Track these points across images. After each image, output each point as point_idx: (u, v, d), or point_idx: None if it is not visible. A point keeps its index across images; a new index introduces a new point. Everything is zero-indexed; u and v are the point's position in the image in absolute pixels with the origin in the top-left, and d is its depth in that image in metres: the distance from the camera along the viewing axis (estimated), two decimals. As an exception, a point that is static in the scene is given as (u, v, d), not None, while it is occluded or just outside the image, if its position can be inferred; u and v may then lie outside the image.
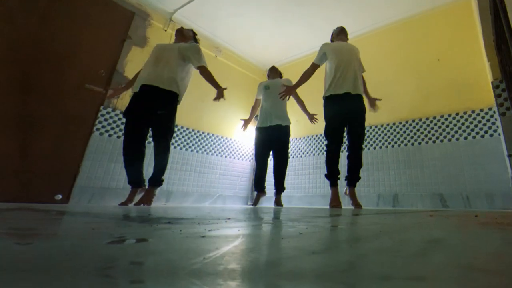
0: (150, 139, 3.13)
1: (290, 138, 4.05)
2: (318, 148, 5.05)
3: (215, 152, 5.09)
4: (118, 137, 3.80)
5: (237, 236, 0.73)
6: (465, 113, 3.68)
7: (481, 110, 3.56)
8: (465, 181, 3.45)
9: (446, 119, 3.80)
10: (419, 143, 3.95)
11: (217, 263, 0.42)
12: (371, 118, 3.82)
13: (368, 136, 4.43)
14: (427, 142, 3.88)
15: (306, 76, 3.45)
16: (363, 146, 3.27)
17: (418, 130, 4.01)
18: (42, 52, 3.28)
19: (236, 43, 5.61)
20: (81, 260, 0.46)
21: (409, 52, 4.48)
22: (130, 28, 4.22)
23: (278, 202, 3.85)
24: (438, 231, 0.93)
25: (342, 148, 3.33)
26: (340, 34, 3.60)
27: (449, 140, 3.71)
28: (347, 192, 3.17)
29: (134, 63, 4.04)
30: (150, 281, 0.35)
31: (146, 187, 3.01)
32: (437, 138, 3.81)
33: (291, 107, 4.21)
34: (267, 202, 4.66)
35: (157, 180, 2.98)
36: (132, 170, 2.95)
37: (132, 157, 2.93)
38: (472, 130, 3.56)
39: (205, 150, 4.93)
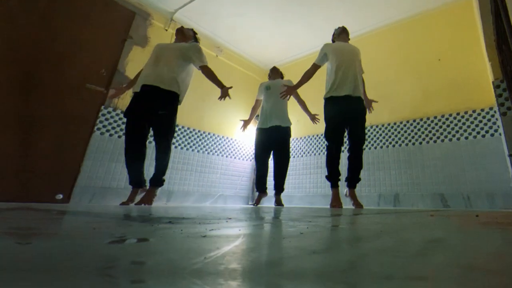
0: (152, 139, 3.13)
1: (291, 138, 4.05)
2: (319, 148, 5.05)
3: (216, 151, 5.09)
4: (119, 136, 3.81)
5: (238, 235, 0.73)
6: (466, 112, 3.67)
7: (482, 110, 3.55)
8: (466, 181, 3.45)
9: (447, 119, 3.79)
10: (420, 143, 3.94)
11: (218, 262, 0.42)
12: (372, 118, 3.82)
13: (369, 136, 4.42)
14: (428, 142, 3.88)
15: (307, 76, 3.46)
16: (364, 146, 3.26)
17: (419, 130, 4.00)
18: (43, 52, 3.28)
19: (237, 43, 5.61)
20: (82, 260, 0.46)
21: (409, 52, 4.47)
22: (131, 28, 4.23)
23: (278, 202, 3.86)
24: (438, 231, 0.93)
25: (342, 148, 3.32)
26: (341, 34, 3.59)
27: (450, 140, 3.70)
28: (348, 193, 3.18)
29: (135, 62, 4.04)
30: (151, 281, 0.35)
31: (147, 187, 3.01)
32: (438, 138, 3.80)
33: (292, 107, 4.21)
34: (268, 201, 4.66)
35: (158, 180, 2.98)
36: (133, 170, 2.95)
37: (133, 157, 2.93)
38: (473, 130, 3.56)
39: (206, 150, 4.93)
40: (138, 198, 2.94)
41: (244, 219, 1.30)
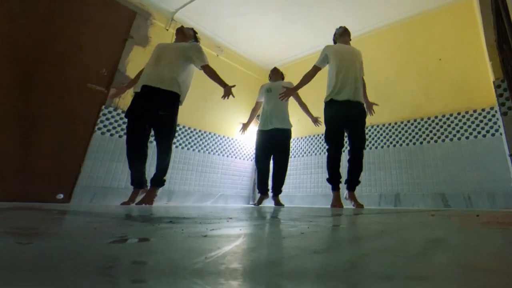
0: (153, 139, 3.13)
1: (292, 138, 4.05)
2: (320, 148, 5.05)
3: (217, 151, 5.09)
4: (120, 136, 3.81)
5: (238, 235, 0.73)
6: (466, 112, 3.67)
7: (483, 110, 3.55)
8: (466, 181, 3.44)
9: (448, 119, 3.79)
10: (421, 143, 3.94)
11: (219, 262, 0.42)
12: (372, 117, 3.81)
13: (370, 136, 4.42)
14: (429, 142, 3.87)
15: (308, 78, 3.45)
16: (364, 146, 3.26)
17: (419, 129, 4.00)
18: (43, 52, 3.29)
19: (238, 43, 5.61)
20: (82, 260, 0.46)
21: (410, 52, 4.47)
22: (132, 28, 4.23)
23: (277, 203, 3.86)
24: (439, 230, 0.93)
25: (344, 148, 3.32)
26: (343, 35, 3.57)
27: (451, 139, 3.70)
28: (347, 196, 3.18)
29: (136, 62, 4.04)
30: (152, 281, 0.35)
31: (148, 187, 3.01)
32: (439, 137, 3.80)
33: (292, 107, 4.20)
34: (269, 202, 4.65)
35: (159, 180, 2.98)
36: (134, 170, 2.95)
37: (134, 157, 2.93)
38: (474, 129, 3.55)
39: (207, 150, 4.93)
40: (139, 198, 2.94)
41: (245, 218, 1.30)
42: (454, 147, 3.65)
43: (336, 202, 3.10)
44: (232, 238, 0.68)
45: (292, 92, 3.55)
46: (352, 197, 3.16)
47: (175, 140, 4.33)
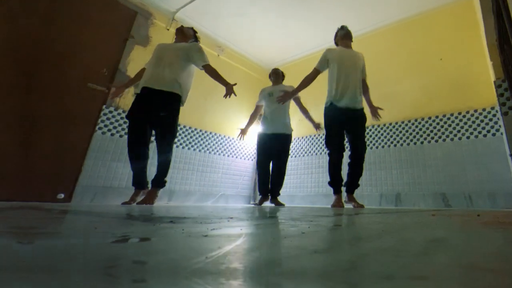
0: (153, 139, 3.13)
1: (293, 138, 4.05)
2: (321, 148, 5.04)
3: (217, 151, 5.09)
4: (121, 136, 3.81)
5: (239, 235, 0.73)
6: (467, 112, 3.66)
7: (484, 110, 3.55)
8: (467, 181, 3.44)
9: (449, 119, 3.79)
10: (422, 143, 3.94)
11: (220, 262, 0.42)
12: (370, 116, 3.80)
13: (371, 136, 4.42)
14: (430, 142, 3.87)
15: (307, 81, 3.43)
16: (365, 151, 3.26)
17: (420, 129, 4.00)
18: (44, 52, 3.29)
19: (238, 42, 5.61)
20: (83, 259, 0.46)
21: (411, 52, 4.47)
22: (133, 27, 4.23)
23: (277, 203, 3.86)
24: (440, 230, 0.93)
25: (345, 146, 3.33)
26: (344, 38, 3.52)
27: (452, 139, 3.70)
28: (347, 199, 3.20)
29: (137, 62, 4.04)
30: (152, 280, 0.35)
31: (149, 188, 3.00)
32: (440, 137, 3.80)
33: (294, 107, 4.20)
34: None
35: (159, 181, 2.97)
36: (136, 171, 2.95)
37: (135, 159, 2.93)
38: (475, 129, 3.55)
39: (207, 149, 4.93)
40: (139, 198, 2.94)
41: (246, 218, 1.30)
42: (454, 147, 3.65)
43: (337, 203, 3.11)
44: (233, 237, 0.68)
45: (290, 96, 3.55)
46: (351, 199, 3.18)
47: (175, 139, 4.33)
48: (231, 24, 5.06)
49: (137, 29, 4.28)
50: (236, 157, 5.42)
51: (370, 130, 4.42)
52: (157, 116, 2.93)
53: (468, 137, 3.58)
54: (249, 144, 5.63)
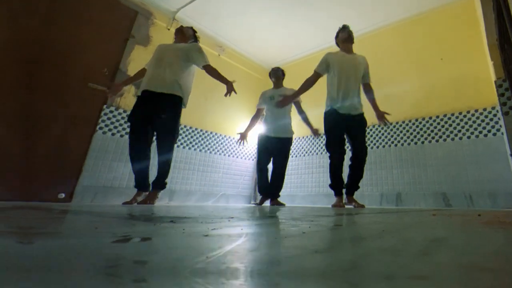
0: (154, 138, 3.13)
1: (294, 137, 4.05)
2: (322, 147, 5.04)
3: (218, 151, 5.09)
4: (121, 136, 3.81)
5: (240, 235, 0.73)
6: (468, 112, 3.66)
7: (484, 109, 3.54)
8: (468, 180, 3.44)
9: (449, 118, 3.79)
10: (422, 142, 3.93)
11: (220, 262, 0.42)
12: (373, 117, 3.80)
13: (371, 136, 4.42)
14: (430, 141, 3.87)
15: (308, 84, 3.43)
16: (366, 146, 3.26)
17: (421, 129, 4.00)
18: (45, 52, 3.29)
19: (239, 42, 5.61)
20: (84, 259, 0.46)
21: (412, 51, 4.46)
22: (133, 27, 4.23)
23: (277, 204, 3.86)
24: (441, 230, 0.93)
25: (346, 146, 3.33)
26: (346, 42, 3.47)
27: (452, 139, 3.69)
28: (347, 201, 3.20)
29: (137, 62, 4.04)
30: (153, 280, 0.35)
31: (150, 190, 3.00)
32: (440, 137, 3.80)
33: (294, 108, 4.19)
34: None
35: (160, 183, 2.96)
36: (137, 173, 2.95)
37: (136, 160, 2.93)
38: (475, 129, 3.55)
39: (208, 149, 4.93)
40: (140, 198, 2.94)
41: (246, 218, 1.30)
42: (455, 147, 3.64)
43: (338, 203, 3.12)
44: (234, 237, 0.68)
45: (289, 100, 3.56)
46: (351, 200, 3.19)
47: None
48: (232, 24, 5.06)
49: (137, 28, 4.28)
50: (237, 157, 5.42)
51: (371, 130, 4.42)
52: (158, 119, 2.93)
53: (468, 137, 3.57)
54: (250, 144, 5.62)
